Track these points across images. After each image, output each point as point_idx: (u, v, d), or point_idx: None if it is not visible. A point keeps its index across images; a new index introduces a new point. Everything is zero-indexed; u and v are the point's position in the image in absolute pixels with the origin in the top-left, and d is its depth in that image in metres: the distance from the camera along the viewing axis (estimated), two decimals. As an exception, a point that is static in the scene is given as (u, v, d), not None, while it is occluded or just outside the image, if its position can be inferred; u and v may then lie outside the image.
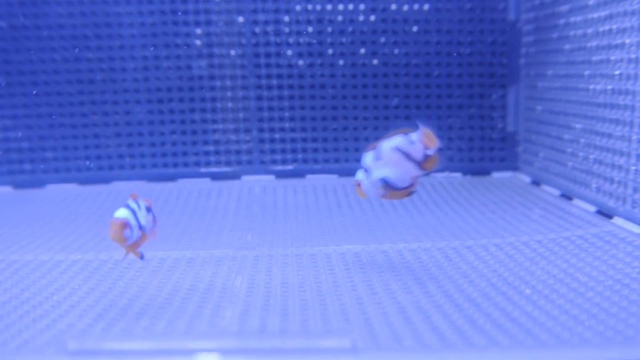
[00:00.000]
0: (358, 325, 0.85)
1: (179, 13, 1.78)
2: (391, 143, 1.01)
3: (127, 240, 0.94)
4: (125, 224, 0.94)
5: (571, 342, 0.77)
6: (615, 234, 1.26)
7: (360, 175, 1.06)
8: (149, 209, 1.02)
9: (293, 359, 0.71)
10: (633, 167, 1.26)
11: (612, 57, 1.34)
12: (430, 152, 0.99)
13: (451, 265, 1.12)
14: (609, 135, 1.36)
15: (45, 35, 1.76)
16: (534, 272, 1.07)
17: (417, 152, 1.00)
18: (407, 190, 1.03)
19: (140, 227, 0.97)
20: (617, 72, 1.32)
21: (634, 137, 1.26)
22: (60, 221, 1.53)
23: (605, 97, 1.37)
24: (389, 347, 0.77)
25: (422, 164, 1.00)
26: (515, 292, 0.98)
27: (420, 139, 0.99)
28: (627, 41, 1.28)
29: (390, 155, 1.01)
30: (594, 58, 1.42)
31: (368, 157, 1.05)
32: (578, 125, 1.50)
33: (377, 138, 1.83)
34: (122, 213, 0.95)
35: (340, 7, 1.79)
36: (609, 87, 1.35)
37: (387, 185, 1.02)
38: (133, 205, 0.98)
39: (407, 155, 1.00)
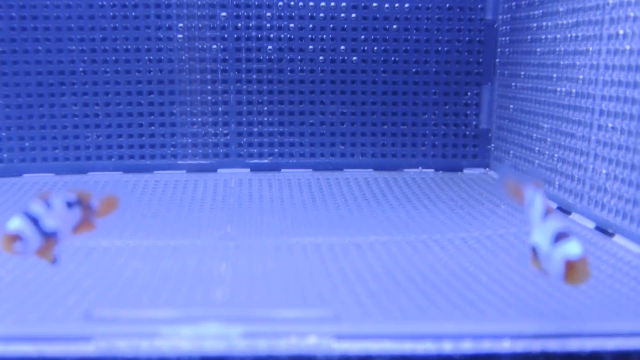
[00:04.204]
0: (333, 305, 1.07)
1: (162, 7, 1.99)
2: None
3: (21, 253, 0.97)
4: (15, 237, 0.95)
5: (512, 317, 1.01)
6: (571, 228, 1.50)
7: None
8: (72, 204, 1.06)
9: (284, 326, 0.93)
10: (591, 166, 1.51)
11: (577, 62, 1.58)
12: None
13: (418, 257, 1.35)
14: (572, 135, 1.60)
15: (29, 26, 1.96)
16: (493, 263, 1.31)
17: None
18: None
19: (47, 233, 0.99)
20: (580, 77, 1.56)
21: (593, 137, 1.51)
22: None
23: (570, 99, 1.61)
24: (361, 319, 1.00)
25: None
26: (473, 280, 1.21)
27: None
28: (590, 48, 1.52)
29: None
30: (562, 62, 1.66)
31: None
32: (546, 125, 1.75)
33: (353, 133, 2.10)
34: (15, 224, 0.96)
35: (323, 4, 2.01)
36: (574, 90, 1.60)
37: None
38: (37, 209, 1.00)
39: None
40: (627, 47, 1.36)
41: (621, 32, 1.39)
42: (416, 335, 0.93)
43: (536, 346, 0.94)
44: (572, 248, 0.86)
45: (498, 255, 1.36)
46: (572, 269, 0.85)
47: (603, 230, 1.47)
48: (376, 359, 0.89)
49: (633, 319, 1.04)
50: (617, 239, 1.42)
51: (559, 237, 0.88)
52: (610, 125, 1.43)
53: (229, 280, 1.20)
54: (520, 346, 0.94)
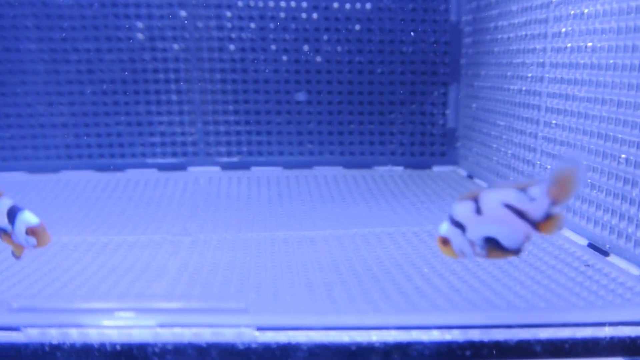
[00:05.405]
0: (266, 296, 1.10)
1: (119, 6, 2.01)
2: (501, 197, 0.91)
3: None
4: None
5: (442, 308, 1.03)
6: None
7: (445, 228, 0.95)
8: None
9: (197, 317, 0.96)
10: (538, 162, 1.53)
11: (527, 61, 1.61)
12: (555, 210, 0.89)
13: (368, 249, 1.38)
14: (522, 132, 1.63)
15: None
16: (439, 255, 1.32)
17: (537, 210, 0.89)
18: (514, 252, 0.93)
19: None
20: (529, 75, 1.59)
21: (540, 134, 1.53)
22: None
23: (521, 97, 1.64)
24: (287, 311, 1.02)
25: (539, 224, 0.90)
26: (415, 271, 1.23)
27: (547, 193, 0.88)
28: (537, 46, 1.54)
29: (497, 211, 0.91)
30: (515, 61, 1.69)
31: (463, 208, 0.93)
32: (502, 123, 1.77)
33: (320, 132, 2.13)
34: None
35: (283, 4, 2.04)
36: (524, 88, 1.62)
37: (491, 246, 0.93)
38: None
39: (522, 214, 0.89)
40: (569, 45, 1.39)
41: (563, 29, 1.42)
42: (338, 326, 0.95)
43: (461, 336, 0.96)
44: None
45: (446, 248, 1.38)
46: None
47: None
48: (297, 348, 0.91)
49: (564, 308, 1.06)
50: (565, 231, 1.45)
51: None
52: (554, 121, 1.46)
53: (172, 273, 1.22)
54: (447, 336, 0.96)
